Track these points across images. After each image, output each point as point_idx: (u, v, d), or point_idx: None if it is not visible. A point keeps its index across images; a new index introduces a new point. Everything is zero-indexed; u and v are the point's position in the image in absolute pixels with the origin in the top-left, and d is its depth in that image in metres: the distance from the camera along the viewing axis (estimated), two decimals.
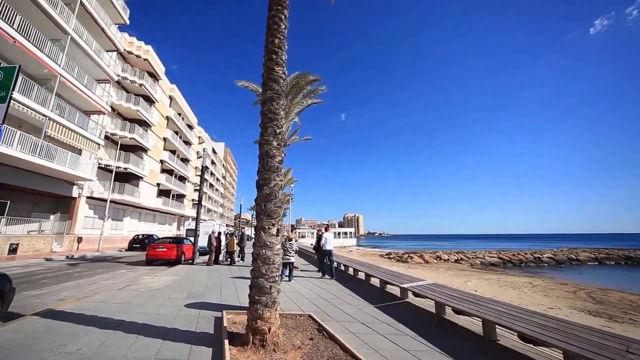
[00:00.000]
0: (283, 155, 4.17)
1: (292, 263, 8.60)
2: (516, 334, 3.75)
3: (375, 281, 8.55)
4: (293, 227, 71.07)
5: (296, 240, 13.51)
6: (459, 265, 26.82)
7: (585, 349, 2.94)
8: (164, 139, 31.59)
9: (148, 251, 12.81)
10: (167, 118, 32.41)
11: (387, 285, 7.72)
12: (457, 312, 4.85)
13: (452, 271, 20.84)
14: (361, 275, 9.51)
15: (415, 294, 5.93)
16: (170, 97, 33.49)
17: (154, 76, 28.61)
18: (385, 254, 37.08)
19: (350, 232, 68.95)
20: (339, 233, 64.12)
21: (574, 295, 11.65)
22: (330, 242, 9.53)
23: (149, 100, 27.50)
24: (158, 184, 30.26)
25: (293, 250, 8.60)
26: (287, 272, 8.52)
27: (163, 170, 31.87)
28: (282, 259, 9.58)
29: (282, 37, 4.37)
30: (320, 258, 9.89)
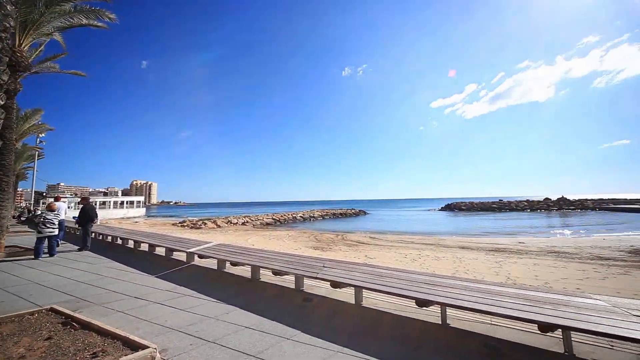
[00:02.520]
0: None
1: (56, 236, 7.30)
2: (270, 271, 4.70)
3: (161, 251, 7.60)
4: (42, 195, 47.40)
5: (66, 212, 9.27)
6: (245, 227, 29.36)
7: (305, 270, 4.21)
8: None
9: None
10: None
11: (174, 253, 7.11)
12: (234, 264, 5.35)
13: (239, 232, 22.51)
14: (144, 247, 8.11)
15: (201, 256, 5.90)
16: None
17: None
18: (179, 223, 33.64)
19: (139, 202, 56.01)
20: (122, 202, 50.18)
21: (308, 239, 16.37)
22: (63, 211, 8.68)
23: None
24: None
25: (57, 221, 7.23)
26: (45, 248, 7.03)
27: None
28: (41, 232, 6.70)
29: None
30: (84, 233, 7.63)
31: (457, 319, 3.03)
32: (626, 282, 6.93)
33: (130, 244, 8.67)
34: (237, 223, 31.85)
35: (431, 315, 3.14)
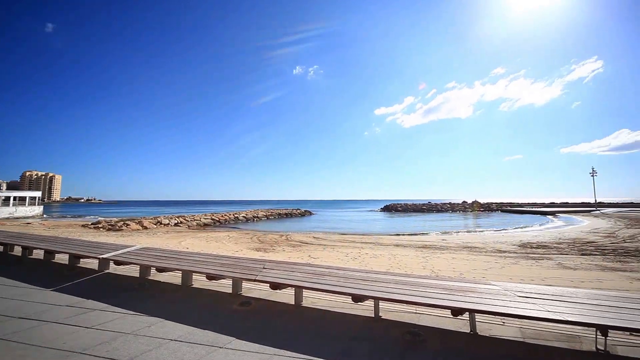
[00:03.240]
0: None
1: None
2: (204, 275, 4.36)
3: (63, 258, 6.30)
4: None
5: None
6: (178, 227, 26.64)
7: (243, 273, 4.03)
8: None
9: None
10: None
11: (82, 260, 5.98)
12: (160, 270, 4.79)
13: (170, 234, 20.30)
14: (39, 254, 6.62)
15: (118, 263, 5.09)
16: None
17: None
18: (92, 224, 28.57)
19: (34, 198, 45.15)
20: (6, 198, 39.77)
21: (251, 240, 15.81)
22: None
23: None
24: None
25: None
26: None
27: None
28: None
29: None
30: None
31: (389, 311, 3.32)
32: (516, 269, 8.67)
33: (18, 250, 6.97)
34: (168, 224, 28.62)
35: (366, 309, 3.36)
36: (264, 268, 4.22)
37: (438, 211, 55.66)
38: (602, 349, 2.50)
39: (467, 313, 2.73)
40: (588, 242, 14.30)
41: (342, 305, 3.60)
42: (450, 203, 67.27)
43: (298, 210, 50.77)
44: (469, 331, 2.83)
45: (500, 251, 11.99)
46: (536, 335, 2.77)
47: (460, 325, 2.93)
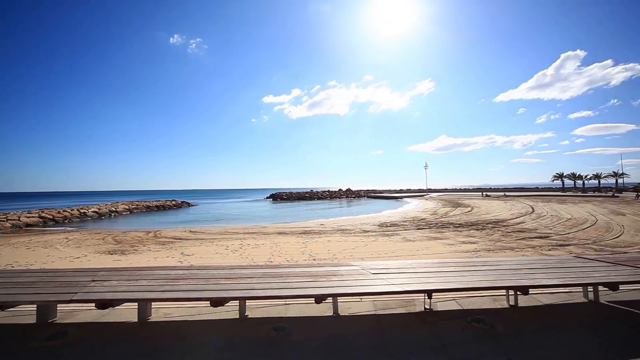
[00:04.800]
0: None
1: None
2: None
3: None
4: None
5: None
6: None
7: (53, 293, 2.83)
8: None
9: None
10: None
11: None
12: None
13: None
14: None
15: None
16: None
17: None
18: None
19: None
20: None
21: (103, 241, 12.40)
22: None
23: None
24: None
25: None
26: None
27: None
28: None
29: None
30: None
31: (256, 308, 3.09)
32: (376, 246, 10.48)
33: None
34: None
35: (231, 309, 3.00)
36: (93, 280, 3.13)
37: (319, 198, 61.91)
38: (428, 307, 3.14)
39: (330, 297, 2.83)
40: (421, 219, 19.24)
41: (206, 310, 3.10)
42: (329, 191, 76.03)
43: (173, 202, 44.22)
44: (332, 314, 2.96)
45: (365, 231, 14.29)
46: (385, 306, 3.20)
47: (325, 309, 3.03)
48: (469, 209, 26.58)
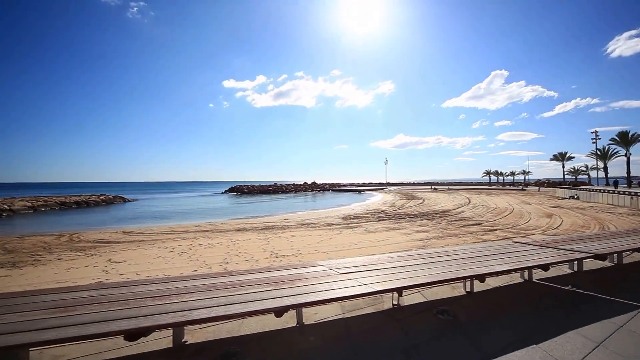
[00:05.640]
0: None
1: None
2: None
3: None
4: None
5: None
6: None
7: None
8: None
9: None
10: None
11: None
12: None
13: None
14: None
15: None
16: None
17: None
18: None
19: None
20: None
21: None
22: None
23: None
24: None
25: None
26: None
27: None
28: None
29: None
30: None
31: (200, 329, 2.46)
32: (341, 239, 10.39)
33: None
34: None
35: (160, 338, 2.32)
36: None
37: (283, 192, 60.37)
38: (396, 303, 2.95)
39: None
40: (381, 211, 20.12)
41: (122, 343, 2.34)
42: (294, 184, 75.09)
43: (101, 197, 36.02)
44: (295, 324, 2.53)
45: (329, 224, 14.20)
46: (353, 307, 2.90)
47: (287, 319, 2.59)
48: (421, 200, 28.98)
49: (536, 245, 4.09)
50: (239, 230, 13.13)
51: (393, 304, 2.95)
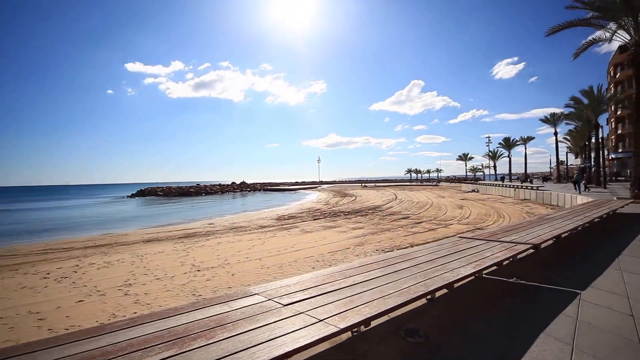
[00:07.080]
0: None
1: None
2: None
3: None
4: None
5: None
6: None
7: None
8: None
9: None
10: None
11: None
12: None
13: None
14: None
15: None
16: None
17: None
18: None
19: None
20: None
21: None
22: None
23: None
24: None
25: None
26: None
27: None
28: None
29: None
30: None
31: None
32: (275, 242, 9.45)
33: None
34: None
35: None
36: None
37: (207, 193, 54.55)
38: (356, 330, 2.32)
39: None
40: (317, 210, 19.85)
41: None
42: (220, 185, 69.32)
43: None
44: None
45: (262, 227, 13.05)
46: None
47: None
48: (354, 197, 30.02)
49: (481, 240, 4.10)
50: (149, 241, 10.77)
51: (352, 332, 2.32)
